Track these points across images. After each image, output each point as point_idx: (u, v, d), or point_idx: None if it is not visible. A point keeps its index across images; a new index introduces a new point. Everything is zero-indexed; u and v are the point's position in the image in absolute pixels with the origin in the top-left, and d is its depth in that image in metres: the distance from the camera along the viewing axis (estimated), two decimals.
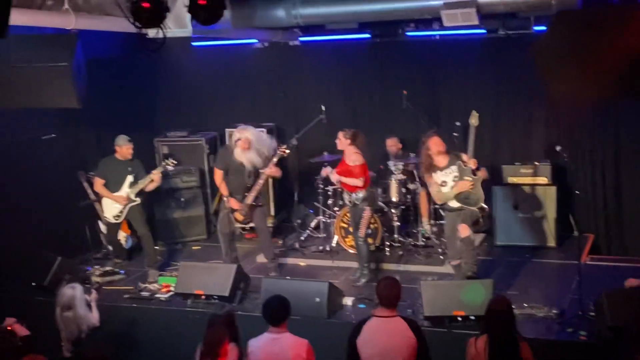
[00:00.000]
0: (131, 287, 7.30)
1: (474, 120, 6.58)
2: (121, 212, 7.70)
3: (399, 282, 4.65)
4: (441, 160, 6.69)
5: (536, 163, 8.11)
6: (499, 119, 8.61)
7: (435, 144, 6.61)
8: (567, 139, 8.27)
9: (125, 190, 7.64)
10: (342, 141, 7.09)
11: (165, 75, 9.45)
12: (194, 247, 8.75)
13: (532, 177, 8.07)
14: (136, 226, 7.74)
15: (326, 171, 7.18)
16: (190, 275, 6.90)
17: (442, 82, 8.76)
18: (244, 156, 7.20)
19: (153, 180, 7.58)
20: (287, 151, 7.36)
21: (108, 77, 8.57)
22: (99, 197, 8.18)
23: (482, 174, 6.65)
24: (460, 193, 6.60)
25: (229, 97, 9.49)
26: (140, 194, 7.67)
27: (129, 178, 7.63)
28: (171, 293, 7.05)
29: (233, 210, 7.37)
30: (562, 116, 8.29)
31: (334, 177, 7.13)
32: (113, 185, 7.71)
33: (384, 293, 4.54)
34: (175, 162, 7.63)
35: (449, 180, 6.69)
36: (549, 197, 7.95)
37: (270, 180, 8.78)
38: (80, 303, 5.71)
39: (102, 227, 8.37)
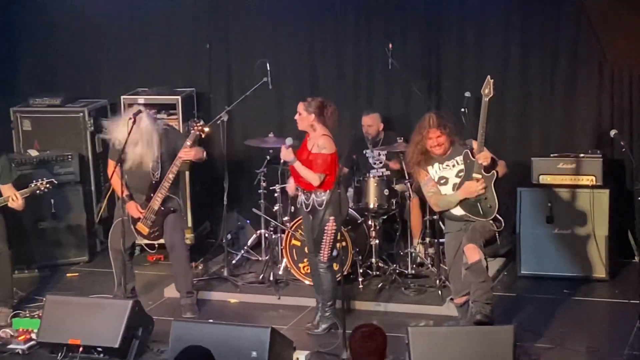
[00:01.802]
0: None
1: (487, 90, 6.60)
2: None
3: (382, 331, 4.63)
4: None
5: (581, 155, 8.17)
6: (527, 92, 8.67)
7: (435, 135, 6.65)
8: (627, 120, 8.34)
9: None
10: (304, 117, 7.10)
11: (29, 17, 9.36)
12: (68, 274, 8.71)
13: (575, 176, 8.11)
14: None
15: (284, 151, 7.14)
16: (62, 316, 6.84)
17: (447, 34, 8.77)
18: (131, 149, 7.26)
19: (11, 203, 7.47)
20: (206, 129, 7.37)
21: None
22: None
23: (500, 169, 6.68)
24: (466, 198, 6.64)
25: (126, 49, 9.45)
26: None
27: None
28: (32, 343, 6.97)
29: (135, 220, 7.38)
30: (620, 86, 8.36)
31: (286, 154, 7.10)
32: None
33: (361, 349, 4.52)
34: (49, 185, 7.58)
35: (451, 176, 6.72)
36: (599, 205, 8.00)
37: (187, 175, 8.72)
38: None
39: None
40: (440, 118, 6.79)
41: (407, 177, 7.99)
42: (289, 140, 7.15)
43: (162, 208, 7.39)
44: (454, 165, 6.73)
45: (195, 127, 7.35)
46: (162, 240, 7.67)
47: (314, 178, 6.99)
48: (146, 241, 7.85)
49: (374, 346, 4.55)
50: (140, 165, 7.35)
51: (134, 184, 7.42)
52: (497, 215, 6.66)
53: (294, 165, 7.07)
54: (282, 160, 7.49)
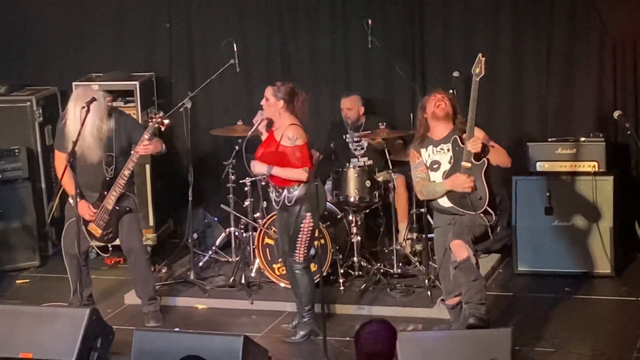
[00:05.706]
0: None
1: (478, 69, 6.63)
2: None
3: (393, 328, 4.63)
4: (441, 128, 6.76)
5: (582, 139, 8.21)
6: (521, 70, 8.70)
7: (439, 96, 6.70)
8: (632, 100, 8.36)
9: None
10: (272, 103, 7.09)
11: None
12: (18, 281, 8.73)
13: (575, 162, 8.17)
14: None
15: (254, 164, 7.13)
16: (11, 327, 6.68)
17: (432, 8, 8.80)
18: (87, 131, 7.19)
19: None
20: (166, 121, 7.37)
21: None
22: None
23: (494, 157, 6.69)
24: (452, 191, 6.67)
25: (77, 30, 9.44)
26: None
27: None
28: None
29: (86, 221, 7.41)
30: (623, 63, 8.37)
31: (259, 168, 7.13)
32: None
33: (374, 350, 4.51)
34: None
35: (443, 162, 6.75)
36: (603, 194, 8.02)
37: (148, 169, 8.76)
38: None
39: None
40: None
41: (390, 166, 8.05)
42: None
43: (117, 208, 7.36)
44: (448, 150, 6.73)
45: (154, 119, 7.32)
46: (116, 242, 7.64)
47: (300, 174, 6.98)
48: (99, 243, 7.75)
49: (386, 345, 4.54)
50: (83, 157, 7.22)
51: (85, 181, 7.29)
52: (488, 208, 6.65)
53: (273, 173, 7.03)
54: (255, 176, 7.44)
